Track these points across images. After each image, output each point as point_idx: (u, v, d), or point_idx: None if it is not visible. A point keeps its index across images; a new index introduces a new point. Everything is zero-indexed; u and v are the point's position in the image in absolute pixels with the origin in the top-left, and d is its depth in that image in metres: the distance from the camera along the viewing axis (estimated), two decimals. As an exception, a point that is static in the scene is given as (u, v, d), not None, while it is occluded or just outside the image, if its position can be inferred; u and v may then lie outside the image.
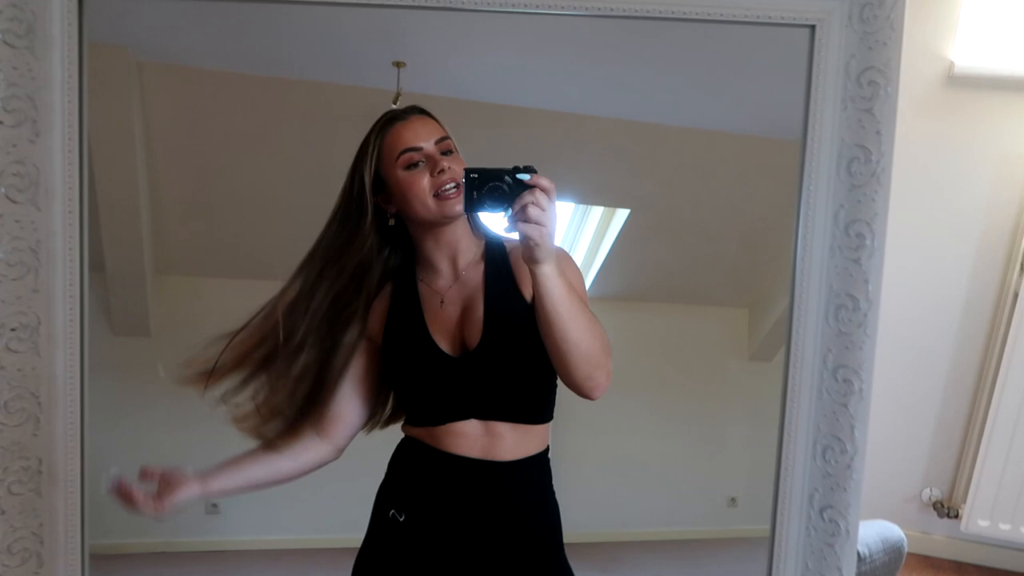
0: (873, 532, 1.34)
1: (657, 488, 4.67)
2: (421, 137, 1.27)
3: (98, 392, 3.88)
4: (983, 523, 2.38)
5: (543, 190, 1.08)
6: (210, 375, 1.32)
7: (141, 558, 3.68)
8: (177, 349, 3.82)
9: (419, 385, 1.29)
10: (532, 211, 1.06)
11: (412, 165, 1.26)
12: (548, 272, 1.11)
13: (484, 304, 1.27)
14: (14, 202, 1.37)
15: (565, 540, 1.36)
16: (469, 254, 1.33)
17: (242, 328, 1.31)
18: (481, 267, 1.31)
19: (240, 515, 3.90)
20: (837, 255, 1.08)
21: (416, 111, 1.31)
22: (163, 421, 3.92)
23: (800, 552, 1.10)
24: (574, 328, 1.14)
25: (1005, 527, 2.38)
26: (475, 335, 1.25)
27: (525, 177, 1.09)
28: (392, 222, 1.32)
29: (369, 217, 1.28)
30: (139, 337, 3.76)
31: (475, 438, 1.27)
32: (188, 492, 1.45)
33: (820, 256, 1.06)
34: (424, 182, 1.25)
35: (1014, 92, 2.23)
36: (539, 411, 1.30)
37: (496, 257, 1.33)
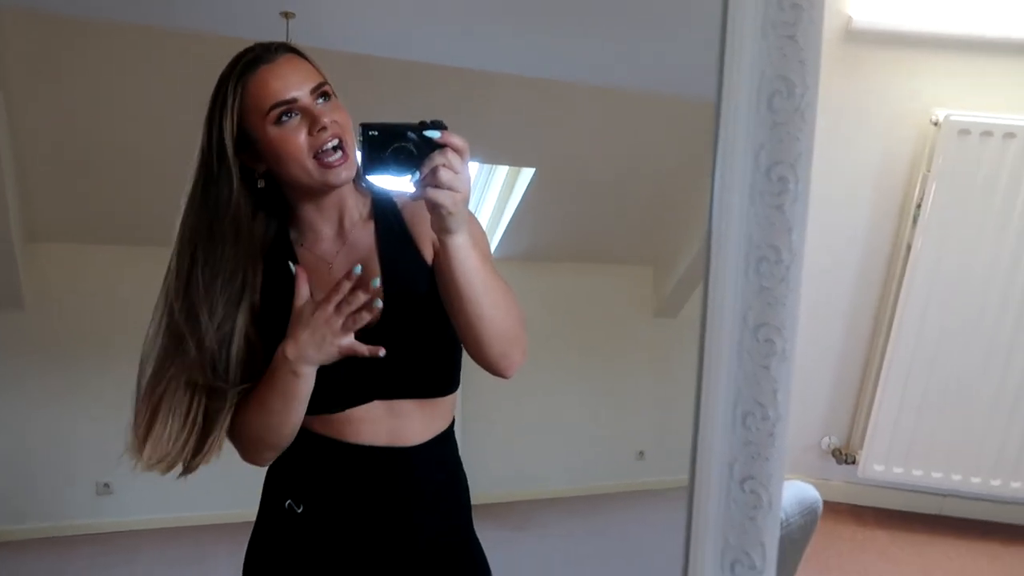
0: (789, 495, 1.35)
1: (566, 446, 4.72)
2: (293, 85, 1.04)
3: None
4: (878, 467, 2.47)
5: (455, 150, 0.93)
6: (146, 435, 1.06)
7: (22, 545, 3.46)
8: (55, 322, 3.60)
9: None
10: (444, 175, 0.92)
11: (284, 118, 1.03)
12: (460, 243, 0.97)
13: (381, 270, 1.09)
14: None
15: (477, 502, 1.26)
16: (355, 213, 1.14)
17: (145, 364, 1.06)
18: (371, 227, 1.14)
19: (133, 494, 3.72)
20: (758, 202, 1.01)
21: (284, 49, 1.07)
22: (40, 401, 3.69)
23: (720, 527, 1.06)
24: (488, 303, 1.01)
25: (898, 470, 2.48)
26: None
27: (434, 135, 0.93)
28: (261, 184, 1.10)
29: (236, 182, 1.06)
30: (11, 310, 3.49)
31: (379, 422, 1.12)
32: None
33: (739, 203, 0.99)
34: (300, 140, 1.03)
35: (908, 47, 2.26)
36: (447, 382, 1.16)
37: (387, 214, 1.15)
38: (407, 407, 1.14)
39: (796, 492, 1.46)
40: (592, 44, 2.92)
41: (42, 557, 3.34)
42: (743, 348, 0.99)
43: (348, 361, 1.05)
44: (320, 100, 1.06)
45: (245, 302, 1.08)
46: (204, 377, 1.06)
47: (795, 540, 1.45)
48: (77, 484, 3.69)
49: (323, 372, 1.06)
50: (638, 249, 4.66)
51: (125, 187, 3.28)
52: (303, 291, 1.06)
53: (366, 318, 1.03)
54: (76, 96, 2.86)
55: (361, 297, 1.02)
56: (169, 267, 1.08)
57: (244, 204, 1.08)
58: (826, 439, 2.65)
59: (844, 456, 2.59)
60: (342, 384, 1.09)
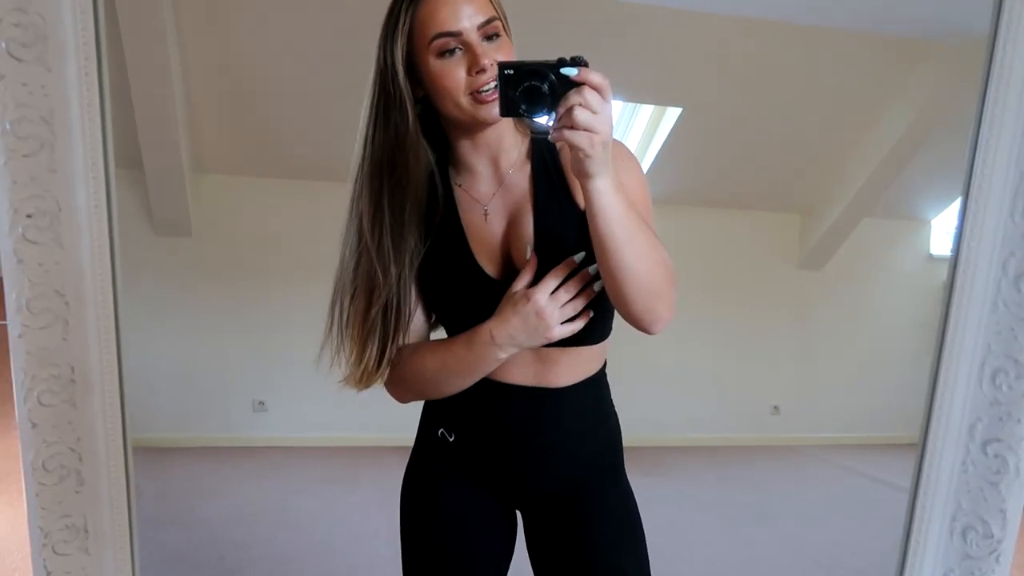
0: None
1: (700, 395, 4.64)
2: (462, 17, 1.00)
3: (141, 290, 3.96)
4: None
5: (594, 87, 0.87)
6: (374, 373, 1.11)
7: (189, 452, 3.79)
8: (219, 249, 3.85)
9: (462, 311, 1.11)
10: (580, 115, 0.86)
11: (447, 52, 1.01)
12: (602, 187, 0.92)
13: (533, 218, 1.08)
14: (18, 60, 1.11)
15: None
16: (513, 153, 1.11)
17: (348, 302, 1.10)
18: (528, 169, 1.11)
19: (286, 413, 3.99)
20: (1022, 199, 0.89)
21: None
22: (205, 322, 3.98)
23: (954, 493, 0.97)
24: (632, 254, 0.95)
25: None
26: (524, 255, 1.08)
27: (572, 72, 0.88)
28: (419, 109, 1.08)
29: (409, 104, 1.05)
30: (180, 237, 3.76)
31: (526, 365, 1.12)
32: None
33: (999, 199, 0.87)
34: (459, 76, 1.01)
35: None
36: (596, 333, 1.13)
37: (545, 157, 1.12)
38: (554, 353, 1.13)
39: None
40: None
41: (205, 464, 3.64)
42: (999, 300, 0.87)
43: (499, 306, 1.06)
44: (487, 39, 1.03)
45: (420, 229, 1.11)
46: (398, 298, 1.08)
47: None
48: (236, 400, 3.97)
49: (474, 317, 1.07)
50: (785, 196, 4.43)
51: (284, 122, 3.43)
52: (525, 277, 1.06)
53: (580, 306, 1.04)
54: (241, 32, 2.99)
55: (574, 286, 1.03)
56: (357, 191, 1.09)
57: (418, 129, 1.08)
58: None
59: None
60: None
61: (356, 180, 1.09)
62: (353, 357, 1.10)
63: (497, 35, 1.03)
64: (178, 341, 3.81)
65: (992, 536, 1.02)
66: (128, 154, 3.29)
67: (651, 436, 4.22)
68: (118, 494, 1.27)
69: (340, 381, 1.13)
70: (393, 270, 1.07)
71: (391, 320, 1.09)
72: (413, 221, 1.09)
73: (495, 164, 1.12)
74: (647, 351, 4.08)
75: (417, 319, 1.14)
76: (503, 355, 1.06)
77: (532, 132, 1.13)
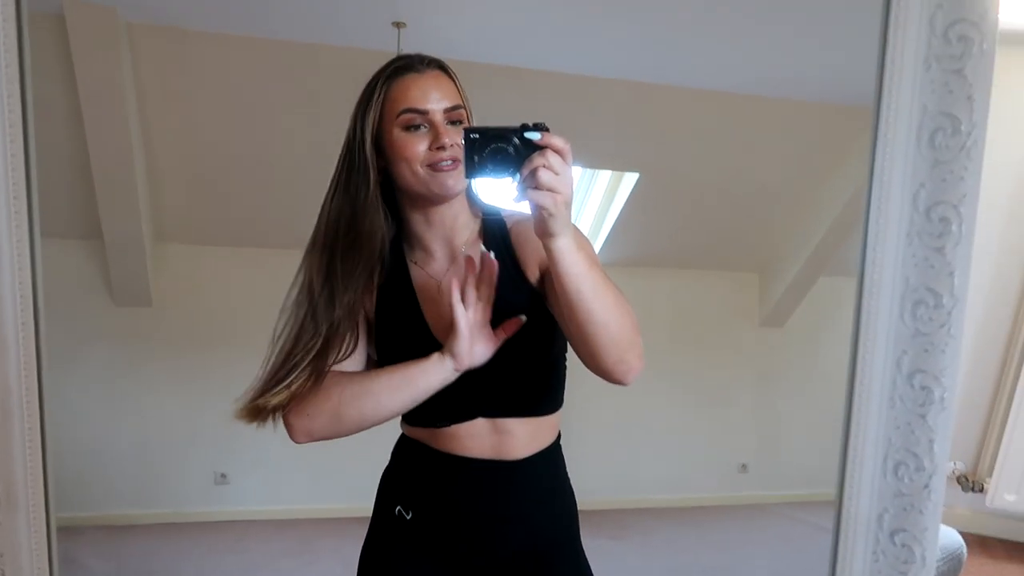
0: None
1: (667, 455, 4.63)
2: (431, 98, 1.08)
3: (99, 363, 3.88)
4: (1009, 497, 2.31)
5: (556, 151, 0.91)
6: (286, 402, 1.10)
7: (147, 529, 3.67)
8: (180, 319, 3.81)
9: None
10: (544, 176, 0.90)
11: (412, 126, 1.08)
12: (565, 246, 0.94)
13: None
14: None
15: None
16: (466, 232, 1.16)
17: (277, 340, 1.11)
18: (479, 247, 1.14)
19: (248, 485, 3.89)
20: (916, 243, 0.94)
21: (435, 65, 1.12)
22: (164, 393, 3.90)
23: None
24: (600, 307, 0.98)
25: (1032, 502, 2.32)
26: None
27: (535, 136, 0.92)
28: (379, 178, 1.13)
29: (373, 175, 1.10)
30: (141, 307, 3.71)
31: (483, 438, 1.14)
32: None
33: (895, 243, 0.92)
34: (420, 148, 1.07)
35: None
36: (550, 401, 1.17)
37: (496, 235, 1.16)
38: (511, 424, 1.14)
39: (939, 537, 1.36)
40: (694, 47, 2.86)
41: (164, 542, 3.53)
42: (896, 396, 0.91)
43: (455, 382, 1.08)
44: (451, 123, 1.09)
45: (368, 294, 1.14)
46: (330, 352, 1.10)
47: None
48: (197, 472, 3.88)
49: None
50: (744, 256, 4.52)
51: (242, 192, 3.44)
52: (456, 310, 1.08)
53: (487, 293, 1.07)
54: (203, 105, 3.02)
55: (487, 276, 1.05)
56: (311, 245, 1.13)
57: (378, 195, 1.12)
58: (952, 464, 2.51)
59: (971, 483, 2.44)
60: (448, 402, 1.11)
61: (313, 235, 1.14)
62: (262, 386, 1.10)
63: (460, 121, 1.10)
64: (137, 413, 3.73)
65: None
66: (87, 224, 3.26)
67: (617, 498, 4.19)
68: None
69: (237, 412, 1.13)
70: (327, 320, 1.10)
71: (310, 364, 1.10)
72: (360, 283, 1.12)
73: (448, 242, 1.16)
74: (611, 412, 4.10)
75: (356, 364, 1.16)
76: (445, 367, 1.08)
77: (484, 213, 1.17)
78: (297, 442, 1.14)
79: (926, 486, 0.98)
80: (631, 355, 1.02)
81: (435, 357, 1.08)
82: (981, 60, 0.88)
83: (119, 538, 3.51)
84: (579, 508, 1.27)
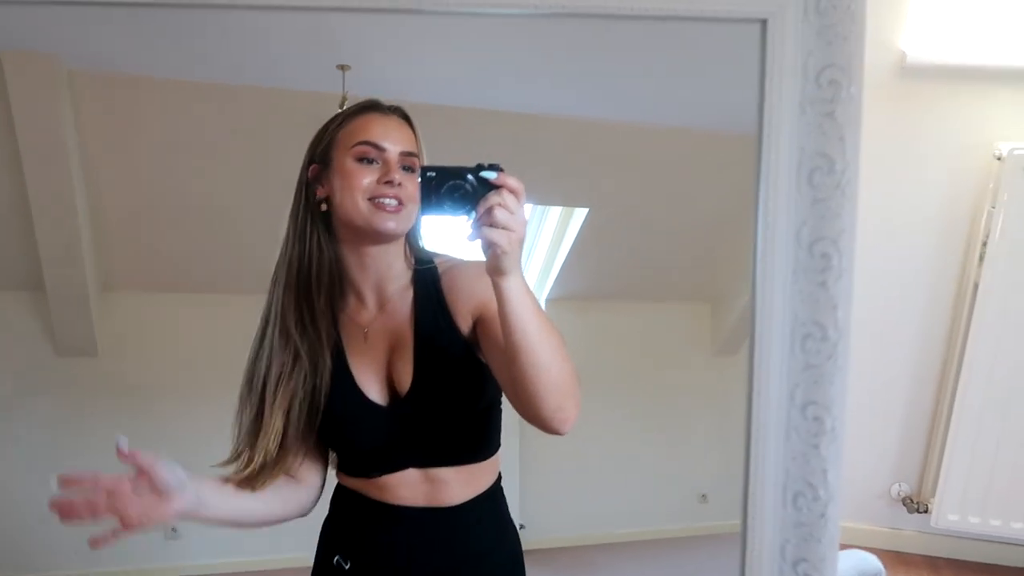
0: (848, 565, 1.28)
1: (627, 488, 4.62)
2: (391, 138, 1.10)
3: (41, 416, 3.77)
4: (953, 517, 2.36)
5: (511, 191, 0.93)
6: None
7: (93, 588, 3.53)
8: (126, 368, 3.72)
9: (345, 436, 1.12)
10: (499, 214, 0.91)
11: (365, 159, 1.08)
12: (515, 285, 0.94)
13: (414, 341, 1.10)
14: None
15: (533, 547, 1.24)
16: (398, 282, 1.15)
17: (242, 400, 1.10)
18: (410, 295, 1.14)
19: (200, 539, 3.78)
20: (801, 278, 0.98)
21: (401, 114, 1.15)
22: (111, 445, 3.78)
23: None
24: (545, 351, 0.96)
25: (975, 520, 2.35)
26: (405, 378, 1.09)
27: (491, 176, 0.94)
28: (323, 208, 1.12)
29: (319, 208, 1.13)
30: (85, 357, 3.62)
31: (415, 487, 1.13)
32: (185, 502, 1.09)
33: (783, 280, 0.96)
34: (367, 180, 1.08)
35: (967, 81, 2.21)
36: (484, 448, 1.16)
37: (427, 283, 1.15)
38: (443, 472, 1.13)
39: (856, 563, 1.38)
40: (637, 84, 2.93)
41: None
42: (791, 427, 0.93)
43: (382, 432, 1.07)
44: (404, 168, 1.11)
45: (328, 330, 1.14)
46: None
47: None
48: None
49: (359, 441, 1.08)
50: (695, 287, 4.58)
51: (190, 236, 3.40)
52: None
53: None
54: (147, 151, 2.99)
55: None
56: (275, 278, 1.14)
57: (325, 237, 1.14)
58: (896, 486, 2.55)
59: (916, 504, 2.48)
60: (375, 454, 1.10)
61: (274, 272, 1.14)
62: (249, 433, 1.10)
63: (412, 169, 1.12)
64: (82, 466, 3.61)
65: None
66: (28, 276, 3.19)
67: (575, 535, 4.16)
68: None
69: (237, 472, 1.12)
70: (295, 353, 1.10)
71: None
72: (326, 317, 1.12)
73: (379, 290, 1.16)
74: (567, 448, 4.08)
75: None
76: None
77: (417, 263, 1.17)
78: None
79: (823, 515, 1.00)
80: (570, 403, 1.02)
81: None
82: (849, 104, 0.93)
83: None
84: (537, 547, 1.26)
